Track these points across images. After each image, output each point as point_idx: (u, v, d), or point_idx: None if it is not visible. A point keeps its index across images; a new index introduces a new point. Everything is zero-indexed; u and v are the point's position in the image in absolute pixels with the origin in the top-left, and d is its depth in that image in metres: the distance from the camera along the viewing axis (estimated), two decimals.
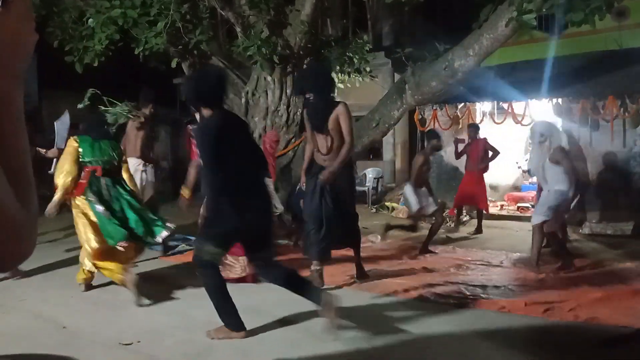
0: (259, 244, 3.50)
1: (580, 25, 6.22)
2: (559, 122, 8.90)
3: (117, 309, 4.10)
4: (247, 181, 3.42)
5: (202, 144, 3.38)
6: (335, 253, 4.82)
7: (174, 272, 5.39)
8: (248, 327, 3.63)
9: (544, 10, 6.19)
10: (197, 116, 3.60)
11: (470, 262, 5.75)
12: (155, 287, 4.48)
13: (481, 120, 9.57)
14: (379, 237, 7.19)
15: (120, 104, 6.43)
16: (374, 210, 10.74)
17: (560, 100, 9.10)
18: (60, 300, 4.31)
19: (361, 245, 4.97)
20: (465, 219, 8.48)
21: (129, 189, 4.71)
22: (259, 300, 4.29)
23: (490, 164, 8.11)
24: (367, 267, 5.25)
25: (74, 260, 5.91)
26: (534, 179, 7.68)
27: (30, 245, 0.64)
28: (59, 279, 5.09)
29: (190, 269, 4.86)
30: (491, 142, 8.13)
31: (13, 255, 0.62)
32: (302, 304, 4.17)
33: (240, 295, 4.46)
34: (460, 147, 8.23)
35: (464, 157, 8.24)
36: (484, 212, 8.07)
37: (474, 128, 8.20)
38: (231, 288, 4.50)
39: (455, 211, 8.33)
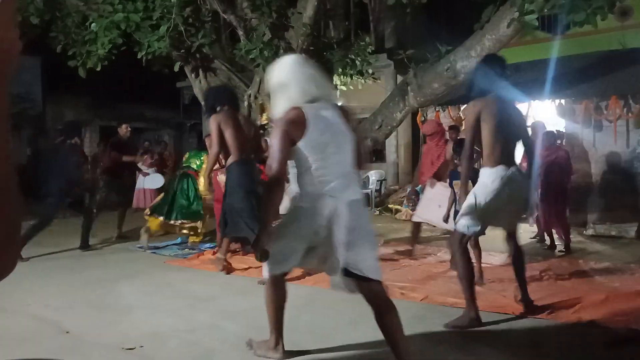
0: None
1: (583, 26, 6.20)
2: (562, 123, 8.91)
3: (120, 313, 4.11)
4: None
5: None
6: None
7: (176, 275, 5.40)
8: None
9: (546, 10, 6.16)
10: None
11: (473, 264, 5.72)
12: (159, 291, 4.49)
13: None
14: (382, 240, 7.19)
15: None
16: (377, 212, 10.73)
17: (563, 100, 9.09)
18: (63, 305, 4.32)
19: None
20: None
21: None
22: None
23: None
24: None
25: (76, 267, 5.94)
26: None
27: (13, 260, 0.62)
28: (61, 284, 5.11)
29: (194, 272, 4.87)
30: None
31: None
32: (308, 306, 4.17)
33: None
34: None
35: None
36: None
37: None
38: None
39: None
